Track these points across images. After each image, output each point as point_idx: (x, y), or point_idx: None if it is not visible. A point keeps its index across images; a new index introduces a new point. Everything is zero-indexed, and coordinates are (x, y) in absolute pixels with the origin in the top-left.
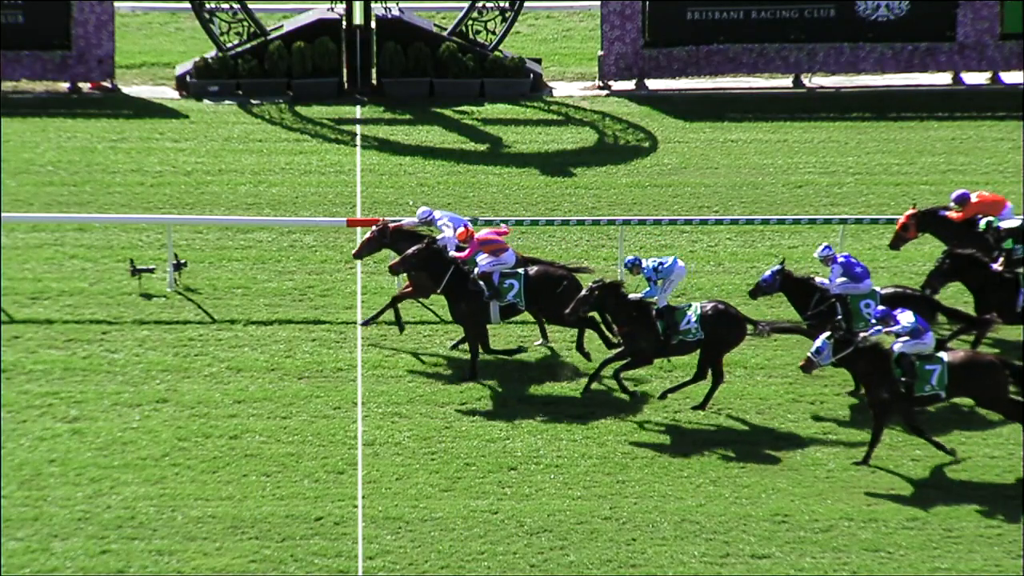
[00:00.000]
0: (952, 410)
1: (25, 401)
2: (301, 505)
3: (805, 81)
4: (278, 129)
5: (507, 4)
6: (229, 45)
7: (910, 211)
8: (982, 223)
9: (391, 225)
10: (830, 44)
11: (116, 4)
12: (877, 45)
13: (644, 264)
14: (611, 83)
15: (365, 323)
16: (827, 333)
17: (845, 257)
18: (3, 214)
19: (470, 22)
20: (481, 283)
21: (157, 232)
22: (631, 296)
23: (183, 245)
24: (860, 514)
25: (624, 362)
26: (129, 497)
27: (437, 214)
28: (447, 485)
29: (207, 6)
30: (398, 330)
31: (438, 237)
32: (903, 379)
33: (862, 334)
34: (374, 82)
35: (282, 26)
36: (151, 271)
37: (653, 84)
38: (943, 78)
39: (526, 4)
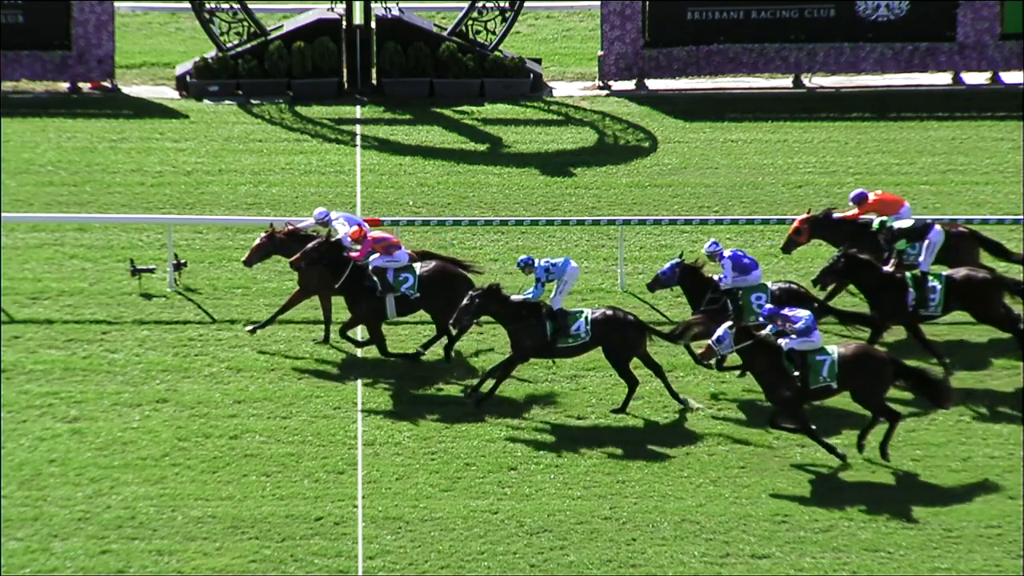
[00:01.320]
0: (954, 410)
1: (25, 401)
2: (301, 505)
3: (805, 81)
4: (278, 129)
5: (507, 4)
6: (229, 45)
7: (804, 215)
8: (875, 223)
9: (288, 227)
10: (830, 44)
11: (116, 4)
12: (877, 45)
13: (537, 264)
14: (611, 83)
15: (253, 329)
16: (729, 323)
17: (732, 252)
18: (3, 214)
19: (470, 22)
20: (375, 279)
21: (157, 232)
22: (514, 297)
23: (183, 245)
24: (860, 514)
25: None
26: (129, 497)
27: (333, 215)
28: (447, 485)
29: (207, 6)
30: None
31: (334, 237)
32: (796, 373)
33: (764, 330)
34: (374, 82)
35: (282, 26)
36: (151, 271)
37: (653, 84)
38: (943, 78)
39: (526, 4)
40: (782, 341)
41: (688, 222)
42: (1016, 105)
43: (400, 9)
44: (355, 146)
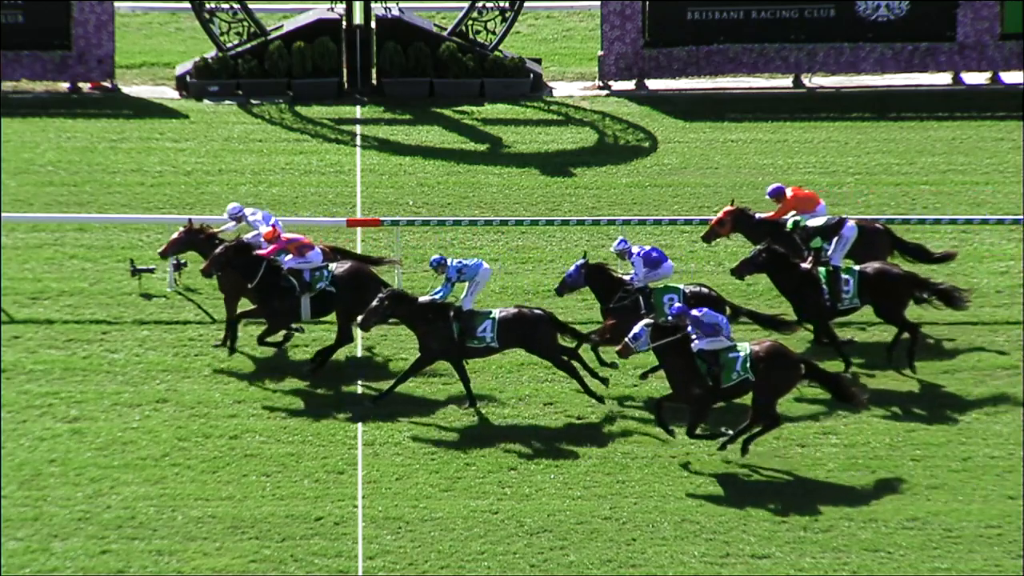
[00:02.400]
0: (954, 410)
1: (25, 401)
2: (301, 505)
3: (805, 81)
4: (278, 129)
5: (507, 4)
6: (229, 45)
7: (728, 207)
8: (789, 223)
9: (209, 229)
10: (830, 44)
11: (116, 4)
12: (877, 45)
13: (449, 264)
14: (611, 83)
15: (220, 344)
16: (646, 320)
17: (641, 248)
18: (3, 214)
19: (470, 22)
20: (291, 279)
21: (157, 232)
22: (422, 299)
23: None
24: (860, 514)
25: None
26: (129, 497)
27: (248, 211)
28: (447, 485)
29: (207, 6)
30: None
31: (247, 235)
32: (710, 370)
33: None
34: (374, 82)
35: (282, 26)
36: (151, 271)
37: (653, 84)
38: (943, 78)
39: (526, 4)
40: (694, 343)
41: (688, 222)
42: (1016, 105)
43: (400, 9)
44: (355, 146)
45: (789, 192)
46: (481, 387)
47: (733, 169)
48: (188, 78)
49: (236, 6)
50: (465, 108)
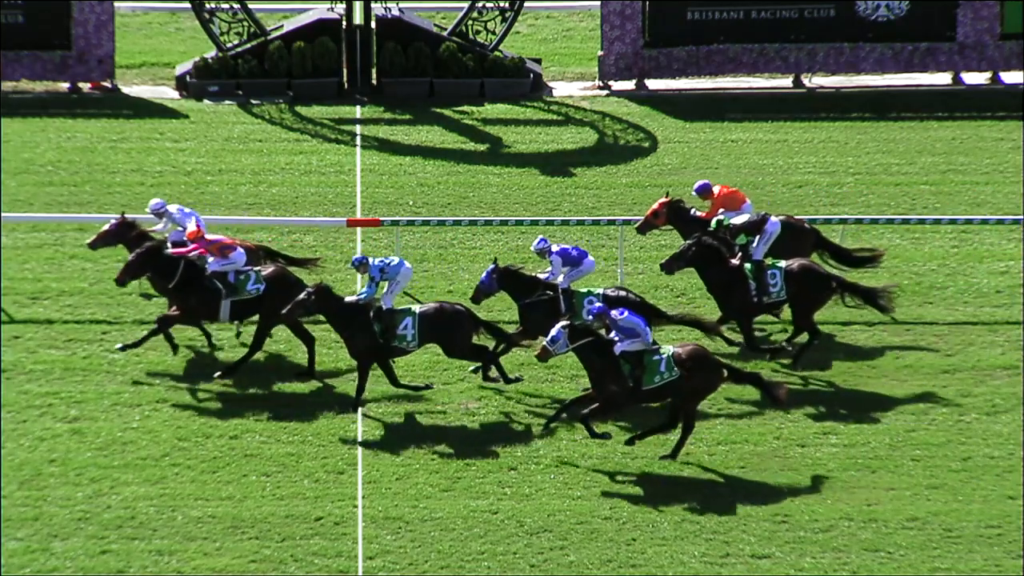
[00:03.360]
0: (954, 410)
1: (25, 401)
2: (301, 505)
3: (805, 81)
4: (278, 129)
5: (507, 4)
6: (229, 45)
7: (663, 199)
8: (712, 222)
9: (138, 228)
10: (830, 44)
11: (116, 4)
12: (877, 45)
13: (371, 263)
14: (611, 83)
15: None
16: (564, 322)
17: (560, 247)
18: (3, 214)
19: (470, 22)
20: (217, 282)
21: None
22: (348, 299)
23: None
24: (860, 514)
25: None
26: (129, 497)
27: (172, 208)
28: (447, 485)
29: (207, 6)
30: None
31: (171, 233)
32: (633, 372)
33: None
34: (374, 82)
35: (282, 26)
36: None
37: (653, 84)
38: (943, 78)
39: (526, 4)
40: (616, 346)
41: None
42: (1016, 105)
43: (400, 9)
44: (355, 146)
45: (716, 189)
46: (481, 386)
47: (733, 169)
48: (188, 78)
49: (236, 6)
50: (465, 108)
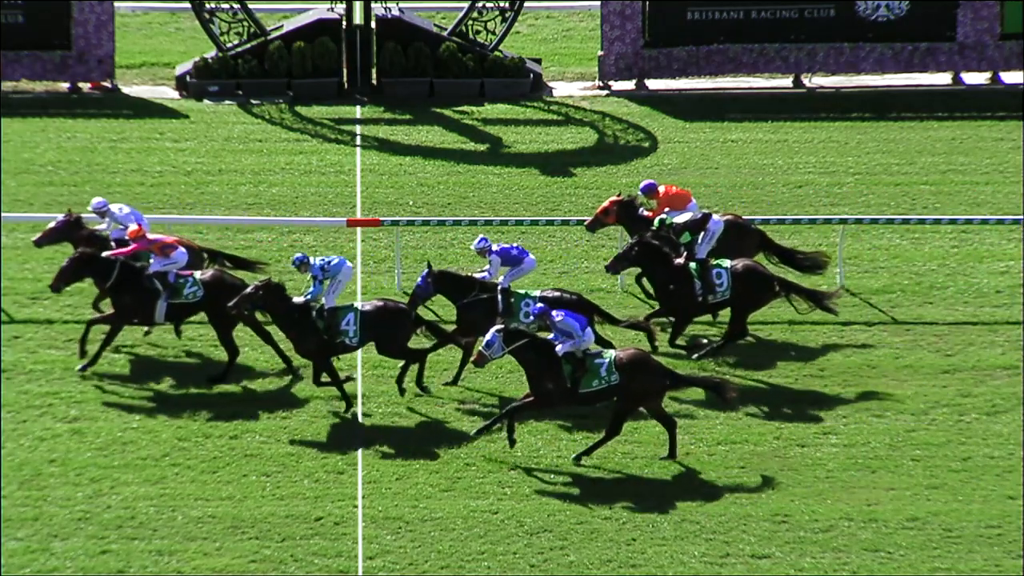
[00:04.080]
0: (954, 409)
1: (25, 401)
2: (301, 505)
3: (805, 81)
4: (278, 129)
5: (507, 4)
6: (229, 45)
7: (614, 197)
8: (656, 221)
9: (85, 228)
10: (830, 44)
11: (116, 4)
12: (877, 45)
13: (312, 263)
14: (611, 83)
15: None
16: (498, 326)
17: (500, 246)
18: (3, 214)
19: (470, 22)
20: (156, 282)
21: (157, 232)
22: (296, 299)
23: None
24: (860, 514)
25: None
26: (129, 497)
27: (114, 207)
28: (447, 485)
29: (207, 6)
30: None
31: (112, 231)
32: (574, 374)
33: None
34: (374, 82)
35: (282, 26)
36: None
37: (653, 84)
38: (943, 78)
39: (526, 4)
40: (558, 348)
41: None
42: (1016, 105)
43: (400, 9)
44: (355, 146)
45: (662, 189)
46: (482, 387)
47: (733, 169)
48: (188, 78)
49: (236, 6)
50: (465, 108)
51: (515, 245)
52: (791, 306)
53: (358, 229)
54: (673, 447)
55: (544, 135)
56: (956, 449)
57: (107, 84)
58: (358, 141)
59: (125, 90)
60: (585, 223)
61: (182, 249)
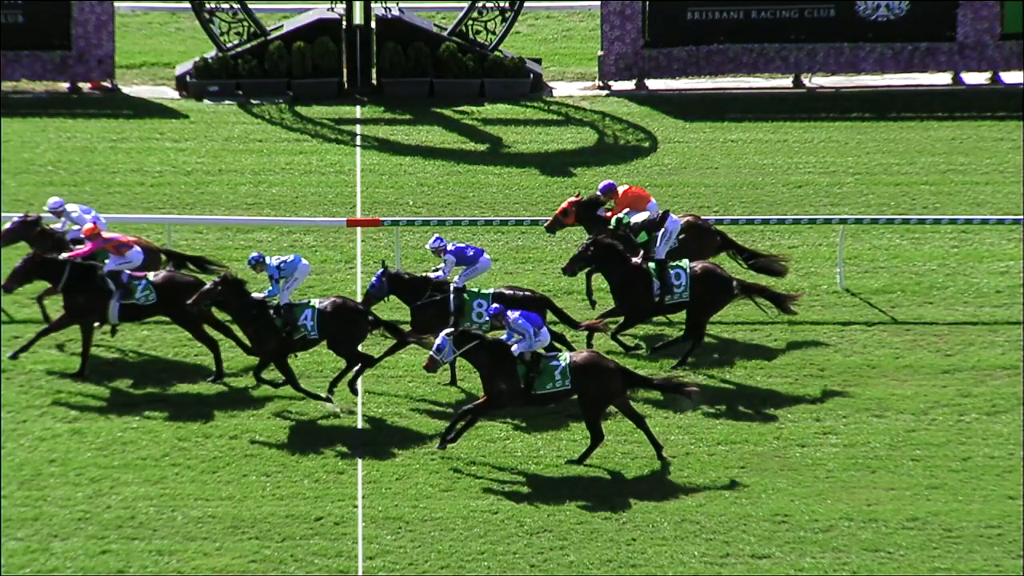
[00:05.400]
0: (954, 409)
1: (25, 401)
2: (301, 505)
3: (805, 81)
4: (278, 129)
5: (507, 4)
6: (229, 45)
7: (573, 198)
8: (613, 221)
9: (42, 227)
10: (830, 44)
11: (116, 4)
12: (877, 45)
13: (268, 262)
14: (611, 83)
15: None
16: (448, 330)
17: (455, 245)
18: (3, 214)
19: (470, 22)
20: (109, 281)
21: (157, 232)
22: (255, 295)
23: (183, 245)
24: (860, 514)
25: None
26: (129, 497)
27: (70, 207)
28: (447, 485)
29: (207, 6)
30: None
31: (69, 231)
32: (528, 375)
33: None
34: (374, 82)
35: (282, 26)
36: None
37: (653, 84)
38: (943, 78)
39: (526, 4)
40: (514, 348)
41: None
42: (1016, 105)
43: (400, 9)
44: (355, 146)
45: (621, 189)
46: (480, 386)
47: (733, 169)
48: (188, 78)
49: (236, 6)
50: (465, 108)
51: (470, 244)
52: (758, 307)
53: (358, 229)
54: (653, 441)
55: (544, 135)
56: (956, 449)
57: (107, 84)
58: (358, 141)
59: (125, 90)
60: (545, 224)
61: (137, 248)
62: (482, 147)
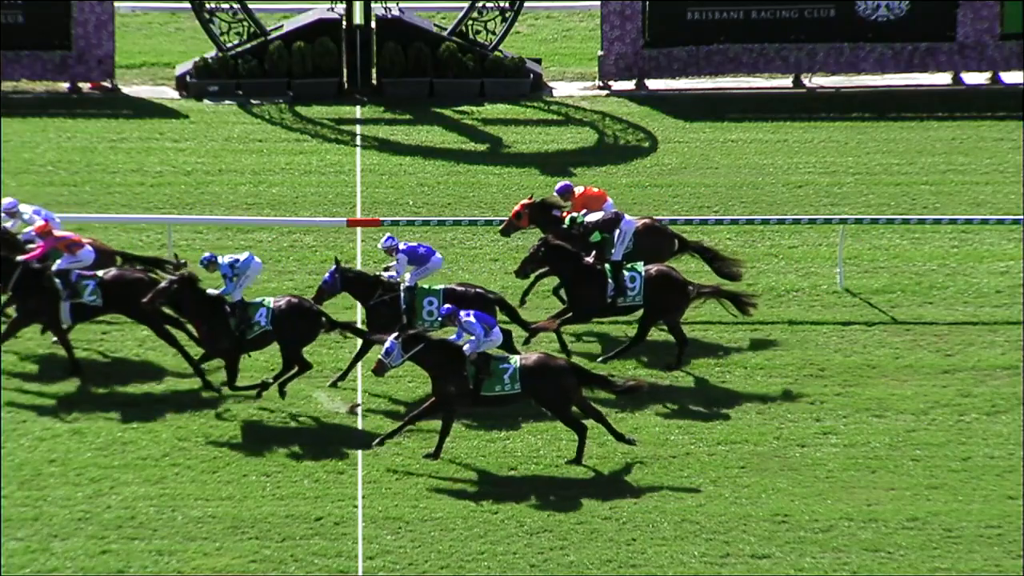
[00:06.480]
0: (954, 409)
1: (25, 401)
2: (301, 505)
3: (805, 81)
4: (278, 129)
5: (507, 4)
6: (229, 45)
7: (526, 200)
8: (567, 220)
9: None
10: (830, 44)
11: (116, 4)
12: (877, 45)
13: (220, 261)
14: (611, 83)
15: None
16: (395, 334)
17: (407, 244)
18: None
19: (470, 22)
20: (57, 281)
21: (157, 232)
22: (209, 292)
23: (183, 245)
24: (860, 514)
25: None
26: (129, 497)
27: (22, 207)
28: (447, 485)
29: (207, 6)
30: None
31: (23, 232)
32: (477, 376)
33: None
34: (374, 82)
35: (282, 26)
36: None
37: (653, 84)
38: (943, 78)
39: (526, 4)
40: (465, 348)
41: (688, 222)
42: (1016, 105)
43: (400, 9)
44: (355, 146)
45: (578, 190)
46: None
47: (733, 169)
48: (188, 78)
49: (236, 6)
50: (465, 108)
51: (422, 244)
52: (726, 309)
53: (358, 229)
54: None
55: (544, 135)
56: (956, 449)
57: (107, 84)
58: (358, 141)
59: (125, 90)
60: (499, 230)
61: (89, 248)
62: (482, 147)
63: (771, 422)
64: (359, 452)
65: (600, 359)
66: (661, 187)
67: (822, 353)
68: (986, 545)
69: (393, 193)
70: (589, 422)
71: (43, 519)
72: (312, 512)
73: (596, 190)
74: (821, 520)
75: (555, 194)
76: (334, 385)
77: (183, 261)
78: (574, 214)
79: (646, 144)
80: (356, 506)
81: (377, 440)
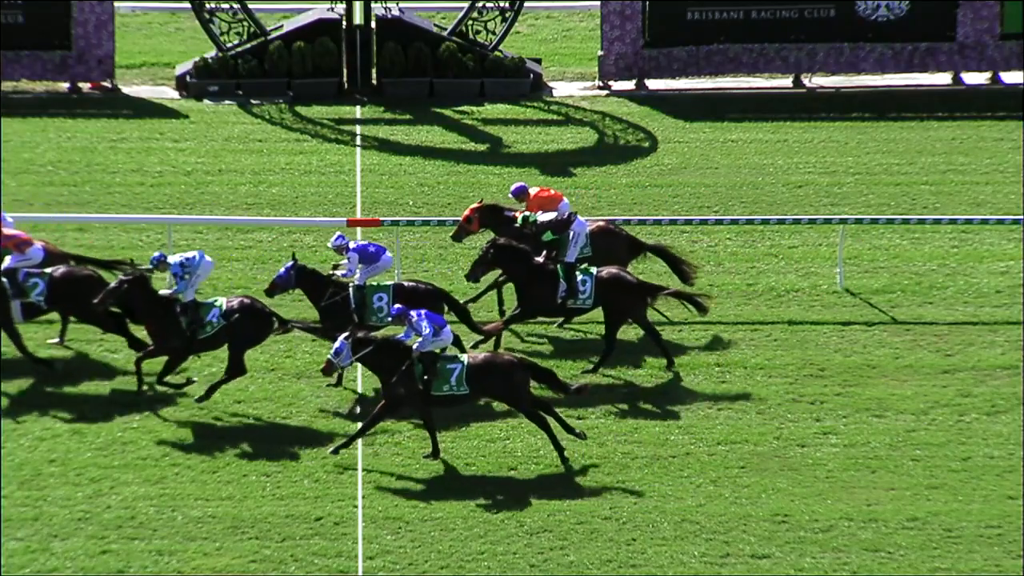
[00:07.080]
0: (954, 410)
1: (25, 401)
2: (301, 505)
3: (805, 81)
4: (278, 129)
5: (507, 4)
6: (229, 45)
7: (475, 204)
8: (519, 218)
9: None
10: (830, 44)
11: (116, 4)
12: (877, 45)
13: (170, 261)
14: (611, 83)
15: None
16: (345, 334)
17: (357, 243)
18: (3, 214)
19: (470, 22)
20: (4, 280)
21: (157, 232)
22: (161, 292)
23: (183, 245)
24: (860, 514)
25: (162, 362)
26: (129, 497)
27: None
28: (447, 485)
29: (207, 6)
30: None
31: None
32: (424, 377)
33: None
34: (374, 82)
35: (282, 26)
36: (151, 271)
37: (653, 84)
38: (943, 78)
39: (526, 4)
40: (414, 345)
41: (688, 222)
42: (1016, 105)
43: (400, 9)
44: (355, 146)
45: (533, 191)
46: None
47: (733, 169)
48: (188, 78)
49: (236, 6)
50: (465, 108)
51: (372, 242)
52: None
53: (358, 229)
54: (556, 442)
55: (544, 135)
56: (956, 449)
57: (107, 84)
58: (358, 141)
59: (125, 90)
60: (451, 235)
61: (38, 246)
62: (482, 147)
63: (771, 422)
64: (359, 452)
65: (584, 371)
66: (661, 187)
67: (822, 353)
68: (986, 545)
69: (393, 193)
70: (588, 422)
71: (43, 519)
72: (312, 512)
73: (552, 191)
74: (821, 520)
75: (510, 195)
76: (338, 384)
77: (135, 262)
78: (526, 213)
79: (646, 144)
80: (356, 506)
81: (332, 448)
